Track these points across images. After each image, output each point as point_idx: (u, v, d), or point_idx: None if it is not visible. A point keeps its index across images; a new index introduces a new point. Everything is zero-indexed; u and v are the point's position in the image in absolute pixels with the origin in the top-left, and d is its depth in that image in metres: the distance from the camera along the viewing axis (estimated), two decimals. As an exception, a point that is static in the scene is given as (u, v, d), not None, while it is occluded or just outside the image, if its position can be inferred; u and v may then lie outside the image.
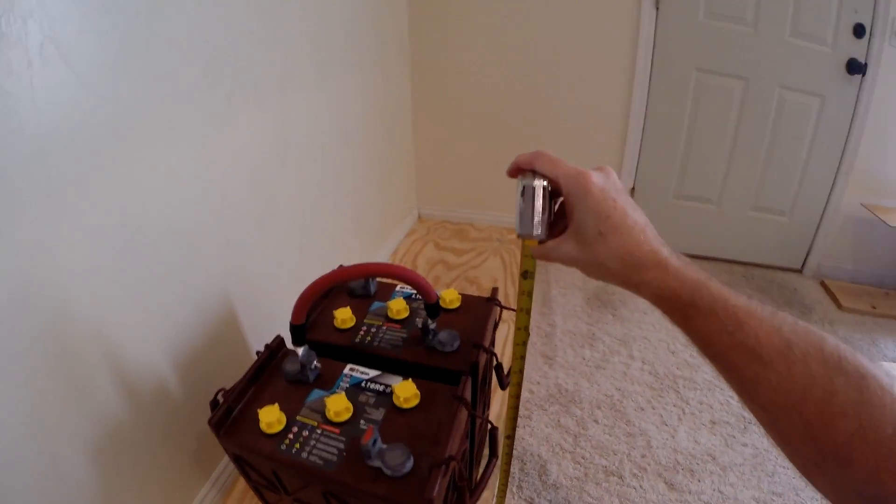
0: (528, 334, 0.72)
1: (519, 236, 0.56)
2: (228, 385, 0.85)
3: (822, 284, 2.56)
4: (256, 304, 1.37)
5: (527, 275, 0.62)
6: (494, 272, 2.30)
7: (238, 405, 0.84)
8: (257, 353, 0.93)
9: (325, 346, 0.96)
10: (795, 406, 0.39)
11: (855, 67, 2.21)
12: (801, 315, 2.30)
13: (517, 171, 0.55)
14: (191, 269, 1.12)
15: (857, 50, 2.21)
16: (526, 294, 0.65)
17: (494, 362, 1.00)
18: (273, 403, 0.80)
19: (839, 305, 2.39)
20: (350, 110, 1.89)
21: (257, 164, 1.33)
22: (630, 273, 0.48)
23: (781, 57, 2.29)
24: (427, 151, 2.76)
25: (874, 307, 2.37)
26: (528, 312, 0.68)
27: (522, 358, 0.75)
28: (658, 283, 0.47)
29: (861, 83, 2.25)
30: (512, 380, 0.78)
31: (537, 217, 0.54)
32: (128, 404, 0.98)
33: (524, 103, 2.54)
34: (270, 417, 0.78)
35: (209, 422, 0.80)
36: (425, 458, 0.72)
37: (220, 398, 0.84)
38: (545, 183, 0.53)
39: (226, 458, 1.27)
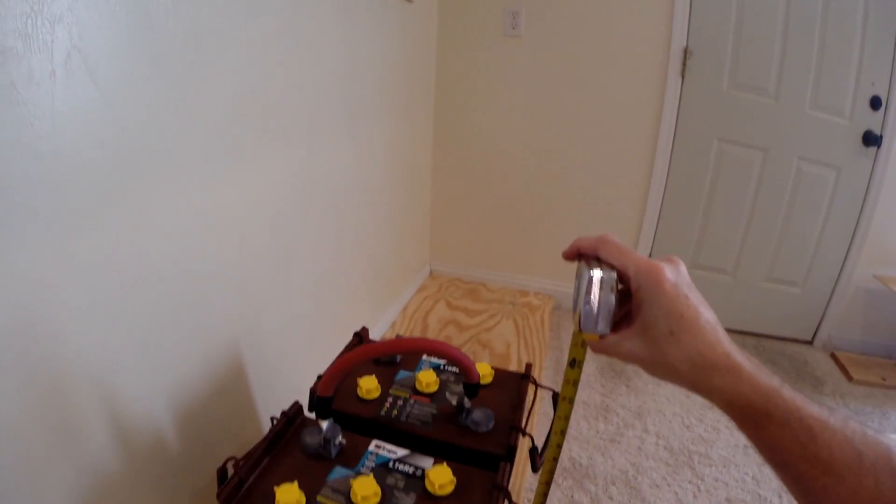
0: (567, 423, 0.66)
1: (580, 331, 0.50)
2: (233, 447, 0.78)
3: (833, 356, 2.52)
4: (266, 358, 1.30)
5: (574, 363, 0.57)
6: (507, 336, 2.23)
7: (250, 478, 0.76)
8: (272, 419, 0.85)
9: (348, 417, 0.88)
10: None
11: (871, 139, 2.24)
12: (813, 388, 2.26)
13: (577, 254, 0.51)
14: (200, 315, 1.05)
15: (873, 122, 2.24)
16: (571, 383, 0.59)
17: (530, 444, 0.93)
18: (291, 480, 0.72)
19: (849, 378, 2.35)
20: (374, 161, 1.86)
21: (280, 208, 1.28)
22: (700, 376, 0.45)
23: (801, 128, 2.31)
24: (443, 207, 2.74)
25: (884, 379, 2.34)
26: (572, 402, 0.62)
27: (559, 446, 0.68)
28: (731, 389, 0.44)
29: (876, 155, 2.27)
30: (545, 467, 0.72)
31: (604, 312, 0.48)
32: (120, 454, 0.89)
33: (544, 166, 2.53)
34: (289, 498, 0.70)
35: (218, 496, 0.71)
36: (464, 561, 0.65)
37: (231, 468, 0.76)
38: (614, 274, 0.48)
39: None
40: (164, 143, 0.90)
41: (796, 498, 0.43)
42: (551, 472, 0.72)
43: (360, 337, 1.07)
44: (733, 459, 1.73)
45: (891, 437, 0.38)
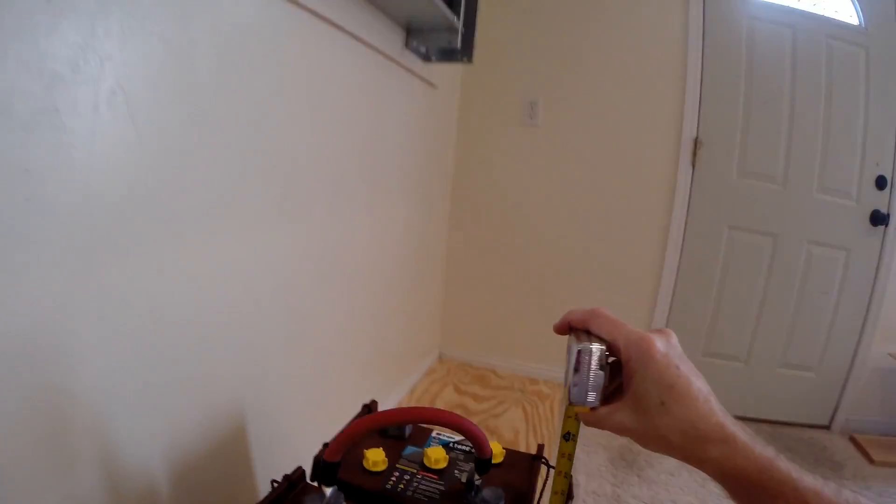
0: (565, 499, 0.64)
1: (570, 404, 0.51)
2: (232, 500, 0.74)
3: (852, 439, 2.46)
4: (269, 423, 1.27)
5: (569, 437, 0.56)
6: (516, 423, 2.18)
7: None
8: (273, 482, 0.82)
9: (352, 488, 0.85)
10: None
11: (878, 219, 2.30)
12: (833, 472, 2.19)
13: (567, 327, 0.52)
14: (207, 372, 1.03)
15: (879, 202, 2.30)
16: (566, 456, 0.58)
17: (542, 528, 0.89)
18: (292, 552, 0.69)
19: (871, 460, 2.29)
20: (391, 240, 1.89)
21: (296, 275, 1.29)
22: (694, 447, 0.45)
23: (809, 212, 2.35)
24: (455, 291, 2.74)
25: None
26: (568, 475, 0.61)
27: None
28: (725, 460, 0.44)
29: (885, 234, 2.32)
30: None
31: (592, 384, 0.49)
32: (110, 500, 0.86)
33: (557, 254, 2.56)
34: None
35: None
36: None
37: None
38: (603, 347, 0.48)
39: None
40: (192, 195, 0.91)
41: None
42: None
43: (370, 408, 1.05)
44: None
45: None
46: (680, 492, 1.93)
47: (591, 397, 0.49)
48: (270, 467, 1.24)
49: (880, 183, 2.28)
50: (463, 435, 0.74)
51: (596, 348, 0.48)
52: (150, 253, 0.85)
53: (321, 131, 1.31)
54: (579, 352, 0.48)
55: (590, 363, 0.48)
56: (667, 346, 0.46)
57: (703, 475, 0.45)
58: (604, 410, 0.50)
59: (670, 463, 2.11)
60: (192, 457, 1.03)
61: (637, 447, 2.11)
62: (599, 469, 2.04)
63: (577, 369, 0.49)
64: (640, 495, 1.89)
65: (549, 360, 2.64)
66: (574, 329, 0.51)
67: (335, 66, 1.34)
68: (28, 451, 0.72)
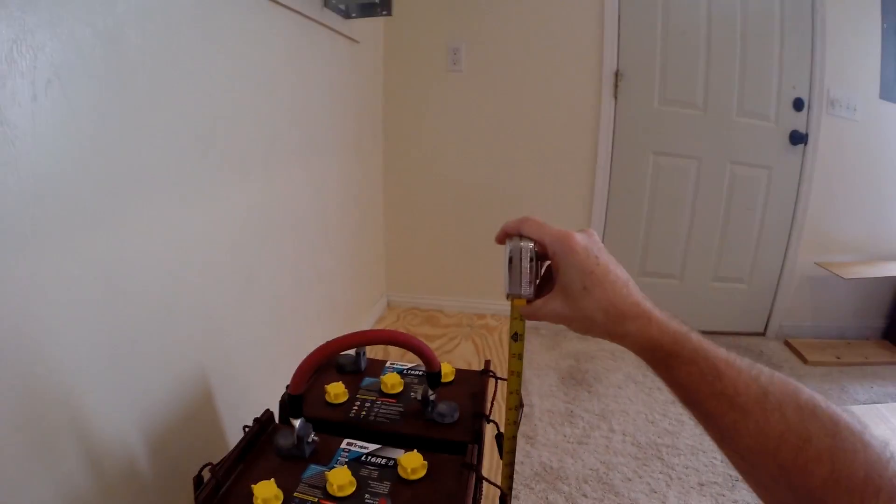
0: (521, 398, 0.71)
1: (508, 296, 0.59)
2: (208, 460, 0.80)
3: (787, 343, 2.66)
4: (232, 381, 1.31)
5: (517, 337, 0.64)
6: (468, 356, 2.29)
7: (227, 481, 0.78)
8: (245, 427, 0.87)
9: (319, 422, 0.91)
10: (771, 452, 0.41)
11: (797, 138, 2.42)
12: (770, 373, 2.35)
13: (504, 236, 0.58)
14: (168, 339, 1.07)
15: (797, 122, 2.42)
16: (516, 356, 0.66)
17: (496, 432, 0.97)
18: (268, 479, 0.75)
19: (805, 360, 2.48)
20: (328, 193, 1.92)
21: (240, 236, 1.32)
22: (615, 325, 0.51)
23: (730, 135, 2.46)
24: (396, 239, 2.80)
25: (839, 357, 2.49)
26: (520, 375, 0.68)
27: (516, 423, 0.74)
28: (641, 334, 0.50)
29: (804, 151, 2.45)
30: (505, 446, 0.77)
31: (525, 276, 0.56)
32: (93, 478, 0.90)
33: (490, 191, 2.63)
34: (267, 493, 0.72)
35: (196, 499, 0.73)
36: (439, 532, 0.69)
37: (207, 473, 0.78)
38: (531, 244, 0.55)
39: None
40: (132, 169, 0.94)
41: (711, 436, 0.47)
42: (512, 452, 0.77)
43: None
44: (700, 447, 1.80)
45: (853, 412, 0.41)
46: (628, 402, 2.07)
47: (526, 289, 0.57)
48: (239, 421, 1.28)
49: (797, 105, 2.40)
50: (410, 350, 0.81)
51: (525, 244, 0.55)
52: (101, 230, 0.88)
53: (251, 96, 1.33)
54: (511, 249, 0.56)
55: (520, 258, 0.56)
56: (587, 240, 0.52)
57: (649, 385, 0.52)
58: (538, 302, 0.56)
59: (617, 376, 2.26)
60: (164, 423, 1.07)
61: (584, 366, 2.27)
62: (551, 389, 2.17)
63: (510, 266, 0.56)
64: (591, 409, 2.03)
65: (494, 295, 2.73)
66: (509, 235, 0.58)
67: (258, 32, 1.35)
68: (7, 440, 0.75)
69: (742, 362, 0.46)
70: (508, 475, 0.80)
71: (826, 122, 2.40)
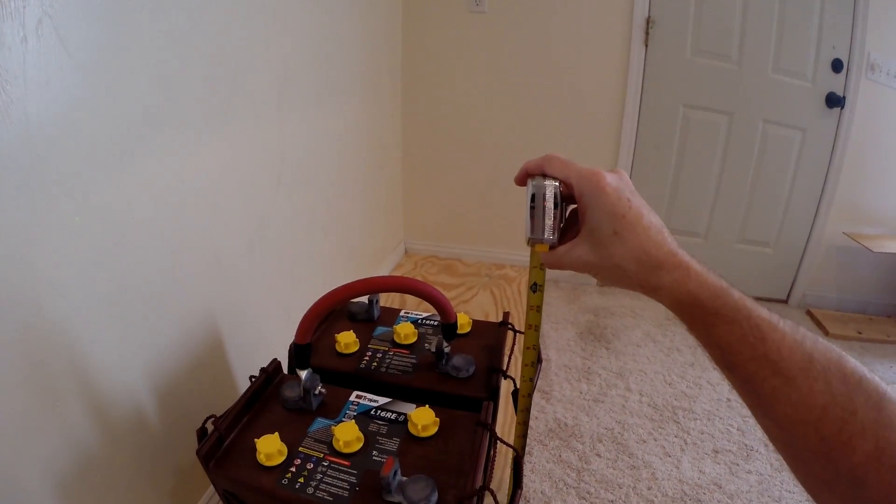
0: (539, 353, 0.66)
1: (529, 241, 0.53)
2: (218, 410, 0.77)
3: (809, 313, 2.59)
4: (243, 330, 1.29)
5: (535, 287, 0.59)
6: (486, 307, 2.25)
7: (231, 434, 0.75)
8: (251, 377, 0.84)
9: (328, 373, 0.88)
10: (814, 423, 0.38)
11: (834, 101, 2.29)
12: (790, 344, 2.30)
13: (526, 176, 0.52)
14: (176, 286, 1.03)
15: (835, 84, 2.28)
16: (535, 309, 0.61)
17: (512, 388, 0.94)
18: (272, 433, 0.72)
19: (826, 333, 2.40)
20: (344, 135, 1.85)
21: (251, 180, 1.27)
22: (648, 275, 0.45)
23: (764, 92, 2.34)
24: (415, 186, 2.73)
25: (860, 332, 2.41)
26: (538, 329, 0.63)
27: (532, 381, 0.69)
28: (678, 287, 0.44)
29: (840, 116, 2.32)
30: (520, 404, 0.72)
31: (549, 220, 0.50)
32: (99, 429, 0.88)
33: (513, 139, 2.54)
34: (270, 448, 0.69)
35: (197, 452, 0.70)
36: (450, 491, 0.65)
37: (210, 426, 0.75)
38: (557, 183, 0.49)
39: (208, 496, 1.16)
40: (135, 110, 0.89)
41: (747, 402, 0.43)
42: (526, 411, 0.73)
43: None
44: (717, 413, 1.76)
45: None
46: (647, 361, 2.03)
47: (549, 233, 0.50)
48: (249, 369, 1.26)
49: (836, 66, 2.26)
50: (424, 299, 0.76)
51: (549, 184, 0.49)
52: (103, 175, 0.84)
53: (260, 33, 1.26)
54: (534, 189, 0.50)
55: (544, 199, 0.49)
56: (618, 181, 0.47)
57: (668, 346, 0.46)
58: (562, 248, 0.50)
59: (637, 334, 2.21)
60: (172, 371, 1.05)
61: (604, 322, 2.23)
62: (569, 343, 2.14)
63: (533, 207, 0.50)
64: (609, 366, 1.99)
65: (514, 245, 2.69)
66: (531, 175, 0.52)
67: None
68: (13, 391, 0.72)
69: (786, 325, 0.41)
70: (522, 434, 0.76)
71: (864, 86, 2.25)
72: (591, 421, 1.69)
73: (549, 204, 0.50)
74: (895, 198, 2.44)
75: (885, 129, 2.31)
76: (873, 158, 2.36)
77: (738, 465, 1.55)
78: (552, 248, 0.52)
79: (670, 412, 1.75)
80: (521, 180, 0.53)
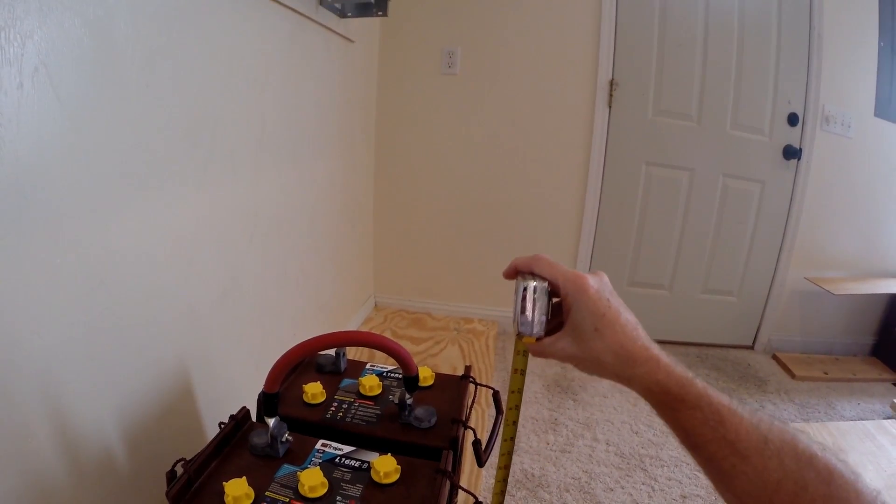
0: (516, 430, 0.70)
1: (518, 334, 0.58)
2: (186, 455, 0.79)
3: (775, 357, 2.67)
4: (214, 378, 1.31)
5: (517, 372, 0.64)
6: (454, 360, 2.28)
7: (199, 478, 0.77)
8: (220, 424, 0.87)
9: (295, 422, 0.91)
10: (769, 497, 0.43)
11: (791, 153, 2.44)
12: (757, 388, 2.38)
13: (515, 272, 0.58)
14: (150, 333, 1.06)
15: (792, 137, 2.43)
16: (516, 391, 0.65)
17: (473, 438, 0.97)
18: (240, 477, 0.74)
19: (792, 375, 2.48)
20: (317, 192, 1.91)
21: (226, 235, 1.31)
22: (623, 367, 0.52)
23: (724, 148, 2.47)
24: (385, 241, 2.79)
25: (826, 373, 2.50)
26: (518, 409, 0.67)
27: (510, 454, 0.72)
28: (649, 377, 0.51)
29: (797, 167, 2.46)
30: (498, 475, 0.75)
31: (538, 316, 0.56)
32: (69, 469, 0.89)
33: (482, 196, 2.63)
34: (238, 491, 0.72)
35: (167, 494, 0.72)
36: (409, 537, 0.68)
37: (180, 469, 0.77)
38: (545, 283, 0.55)
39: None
40: (119, 160, 0.93)
41: (711, 479, 0.49)
42: (504, 481, 0.76)
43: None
44: (685, 459, 1.78)
45: (847, 462, 0.43)
46: (613, 411, 2.07)
47: (537, 328, 0.56)
48: (218, 417, 1.27)
49: (792, 120, 2.41)
50: (386, 353, 0.80)
51: (539, 284, 0.55)
52: (85, 222, 0.87)
53: (242, 92, 1.32)
54: (524, 288, 0.56)
55: (534, 298, 0.56)
56: (599, 283, 0.53)
57: (634, 396, 0.52)
58: (547, 341, 0.57)
59: (602, 385, 2.25)
60: (143, 414, 1.06)
61: (570, 374, 2.27)
62: (536, 396, 2.16)
63: (523, 304, 0.56)
64: (576, 417, 2.02)
65: (482, 300, 2.74)
66: (520, 272, 0.58)
67: (251, 28, 1.34)
68: None
69: (744, 409, 0.47)
70: (501, 490, 0.78)
71: (820, 137, 2.41)
72: (558, 471, 1.71)
73: (539, 303, 0.56)
74: (853, 242, 2.58)
75: (841, 176, 2.47)
76: (831, 205, 2.50)
77: (705, 510, 1.57)
78: (538, 339, 0.57)
79: (637, 460, 1.78)
80: (510, 275, 0.59)
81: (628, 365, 0.51)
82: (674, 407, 0.50)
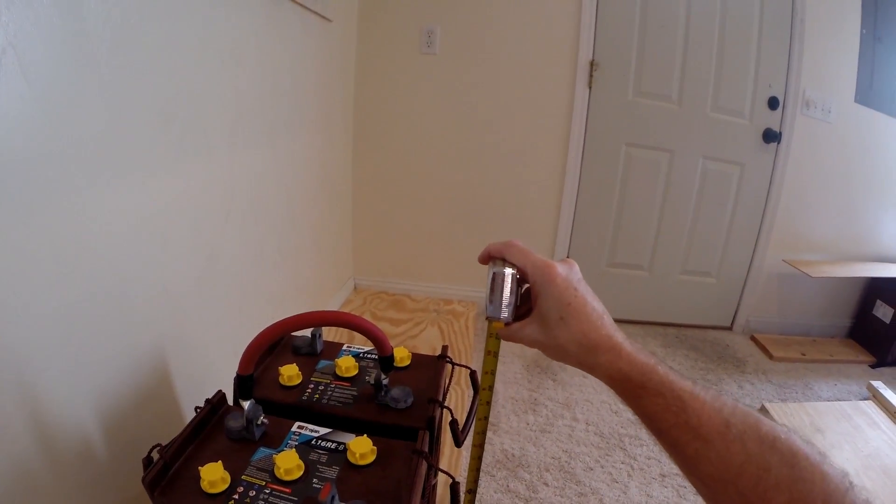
0: (489, 409, 0.71)
1: (487, 318, 0.59)
2: (165, 440, 0.78)
3: (753, 339, 2.71)
4: (191, 361, 1.29)
5: (491, 354, 0.64)
6: (433, 342, 2.29)
7: (176, 463, 0.77)
8: (196, 408, 0.86)
9: (271, 404, 0.90)
10: (732, 480, 0.43)
11: (770, 136, 2.45)
12: (735, 368, 2.41)
13: (488, 258, 0.59)
14: (125, 316, 1.04)
15: (772, 120, 2.44)
16: (489, 373, 0.66)
17: (450, 418, 0.97)
18: (216, 461, 0.74)
19: (770, 356, 2.52)
20: (294, 172, 1.89)
21: (202, 215, 1.29)
22: (587, 355, 0.52)
23: (704, 130, 2.48)
24: (364, 223, 2.78)
25: (804, 354, 2.54)
26: (492, 389, 0.68)
27: (483, 433, 0.73)
28: (611, 365, 0.51)
29: (777, 150, 2.48)
30: (472, 453, 0.76)
31: (506, 302, 0.57)
32: (45, 455, 0.88)
33: (461, 177, 2.62)
34: (213, 476, 0.72)
35: (143, 480, 0.72)
36: (384, 517, 0.68)
37: (156, 454, 0.76)
38: (514, 271, 0.56)
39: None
40: (91, 142, 0.91)
41: (676, 463, 0.50)
42: (479, 459, 0.76)
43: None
44: (662, 439, 1.81)
45: (813, 444, 0.43)
46: (593, 391, 2.09)
47: (505, 313, 0.57)
48: (196, 400, 1.26)
49: (772, 103, 2.42)
50: (360, 333, 0.80)
51: (508, 271, 0.56)
52: (56, 205, 0.85)
53: (216, 70, 1.30)
54: (494, 274, 0.57)
55: (503, 284, 0.56)
56: (567, 272, 0.54)
57: None
58: (516, 326, 0.57)
59: (582, 367, 2.26)
60: (120, 399, 1.05)
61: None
62: (516, 376, 2.18)
63: (492, 289, 0.57)
64: (555, 397, 2.04)
65: (462, 281, 2.75)
66: (492, 258, 0.58)
67: (226, 6, 1.31)
68: None
69: (706, 394, 0.48)
70: (476, 468, 0.79)
71: (800, 122, 2.43)
72: (538, 451, 1.73)
73: (507, 290, 0.56)
74: (831, 225, 2.61)
75: (820, 161, 2.49)
76: (810, 189, 2.53)
77: (685, 487, 1.61)
78: (507, 324, 0.58)
79: (616, 440, 1.81)
80: (484, 260, 0.60)
81: (591, 353, 0.52)
82: (636, 394, 0.50)
